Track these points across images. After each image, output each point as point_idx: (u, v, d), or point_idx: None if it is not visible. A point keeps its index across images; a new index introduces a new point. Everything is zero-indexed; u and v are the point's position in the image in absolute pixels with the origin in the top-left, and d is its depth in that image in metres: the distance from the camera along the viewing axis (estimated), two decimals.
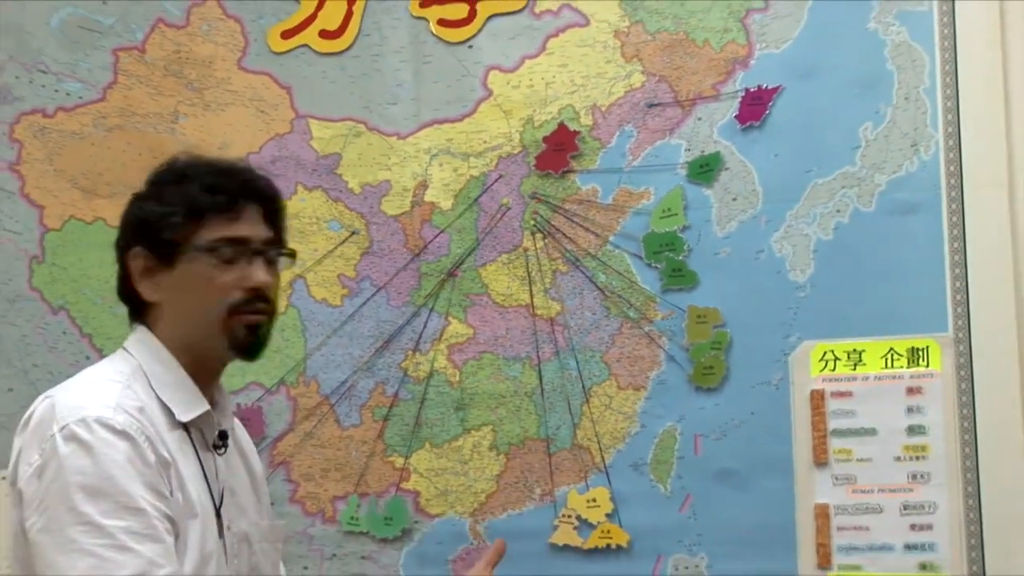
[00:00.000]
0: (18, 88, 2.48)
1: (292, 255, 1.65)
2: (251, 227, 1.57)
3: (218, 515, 1.56)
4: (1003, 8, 2.12)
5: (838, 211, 2.14)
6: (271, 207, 1.62)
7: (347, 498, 2.30)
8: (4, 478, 2.32)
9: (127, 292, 1.60)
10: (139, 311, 1.60)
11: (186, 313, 1.56)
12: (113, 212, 2.36)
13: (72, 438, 1.39)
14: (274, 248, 1.61)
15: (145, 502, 1.38)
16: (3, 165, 2.47)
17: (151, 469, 1.41)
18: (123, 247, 1.60)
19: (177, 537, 1.44)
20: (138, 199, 1.61)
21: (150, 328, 1.58)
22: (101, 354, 2.37)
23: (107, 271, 2.31)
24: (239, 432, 1.76)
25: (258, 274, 1.56)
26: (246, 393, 2.34)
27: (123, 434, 1.41)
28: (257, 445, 2.26)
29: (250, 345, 1.57)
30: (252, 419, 2.31)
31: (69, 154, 2.45)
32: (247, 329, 1.55)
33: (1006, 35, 2.11)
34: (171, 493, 1.44)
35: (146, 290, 1.56)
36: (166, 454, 1.46)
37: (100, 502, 1.35)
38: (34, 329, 2.43)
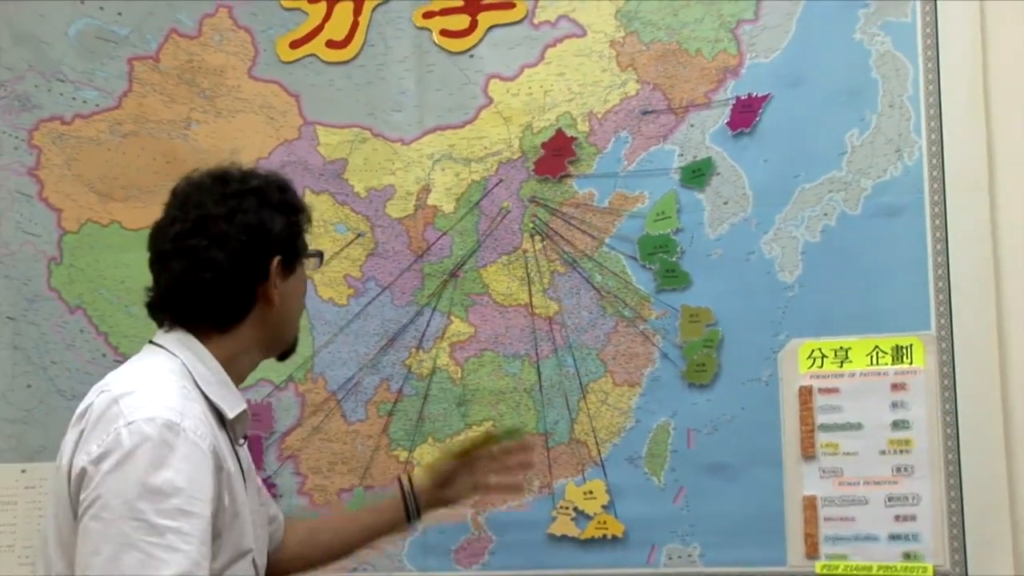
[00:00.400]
0: (37, 96, 2.48)
1: None
2: None
3: None
4: (984, 19, 2.13)
5: (825, 214, 2.17)
6: None
7: (353, 490, 2.32)
8: (24, 471, 2.42)
9: (235, 302, 1.61)
10: (230, 318, 1.61)
11: (290, 314, 1.67)
12: (128, 215, 2.43)
13: (139, 435, 1.40)
14: None
15: (199, 505, 1.40)
16: (23, 170, 2.48)
17: (209, 475, 1.44)
18: (258, 257, 1.60)
19: (219, 537, 1.47)
20: (253, 211, 1.61)
21: (224, 334, 1.61)
22: (117, 351, 2.39)
23: (122, 272, 2.41)
24: None
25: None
26: (256, 389, 2.33)
27: (187, 440, 1.42)
28: (266, 440, 2.33)
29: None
30: (262, 414, 2.33)
31: (86, 159, 2.46)
32: None
33: (987, 45, 2.13)
34: (220, 496, 1.47)
35: (275, 297, 1.62)
36: (221, 457, 1.49)
37: (158, 502, 1.37)
38: (52, 327, 2.44)
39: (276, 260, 1.61)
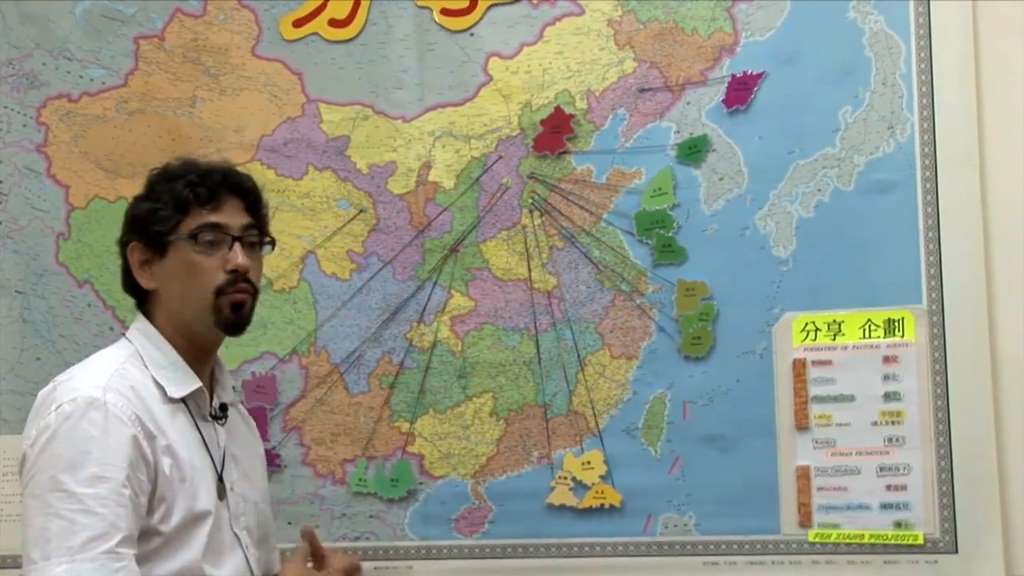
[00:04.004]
0: (44, 74, 2.48)
1: (271, 242, 1.78)
2: (230, 216, 1.71)
3: (220, 479, 1.69)
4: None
5: (819, 190, 2.19)
6: (250, 198, 1.75)
7: (356, 461, 2.34)
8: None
9: (129, 284, 1.74)
10: (141, 300, 1.74)
11: (178, 296, 1.69)
12: (135, 191, 2.36)
13: (63, 415, 1.53)
14: (252, 233, 1.74)
15: (113, 470, 1.51)
16: (31, 147, 2.48)
17: (125, 443, 1.54)
18: (123, 243, 1.73)
19: (163, 500, 1.58)
20: (135, 200, 1.74)
21: (150, 315, 1.72)
22: (124, 325, 2.37)
23: None
24: (242, 407, 1.89)
25: (238, 257, 1.69)
26: (260, 362, 2.37)
27: (107, 412, 1.54)
28: (271, 411, 2.34)
29: (235, 322, 1.71)
30: (266, 387, 2.35)
31: (93, 136, 2.46)
32: (231, 308, 1.69)
33: (978, 23, 2.16)
34: (154, 462, 1.57)
35: (144, 280, 1.71)
36: (152, 427, 1.59)
37: (77, 472, 1.49)
38: (61, 302, 2.45)
39: (131, 245, 1.71)
